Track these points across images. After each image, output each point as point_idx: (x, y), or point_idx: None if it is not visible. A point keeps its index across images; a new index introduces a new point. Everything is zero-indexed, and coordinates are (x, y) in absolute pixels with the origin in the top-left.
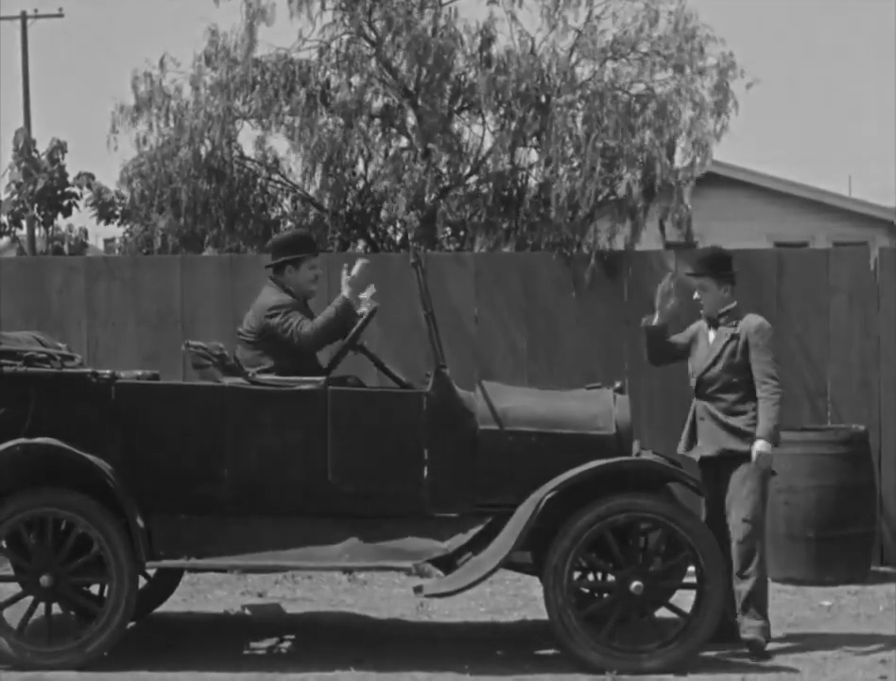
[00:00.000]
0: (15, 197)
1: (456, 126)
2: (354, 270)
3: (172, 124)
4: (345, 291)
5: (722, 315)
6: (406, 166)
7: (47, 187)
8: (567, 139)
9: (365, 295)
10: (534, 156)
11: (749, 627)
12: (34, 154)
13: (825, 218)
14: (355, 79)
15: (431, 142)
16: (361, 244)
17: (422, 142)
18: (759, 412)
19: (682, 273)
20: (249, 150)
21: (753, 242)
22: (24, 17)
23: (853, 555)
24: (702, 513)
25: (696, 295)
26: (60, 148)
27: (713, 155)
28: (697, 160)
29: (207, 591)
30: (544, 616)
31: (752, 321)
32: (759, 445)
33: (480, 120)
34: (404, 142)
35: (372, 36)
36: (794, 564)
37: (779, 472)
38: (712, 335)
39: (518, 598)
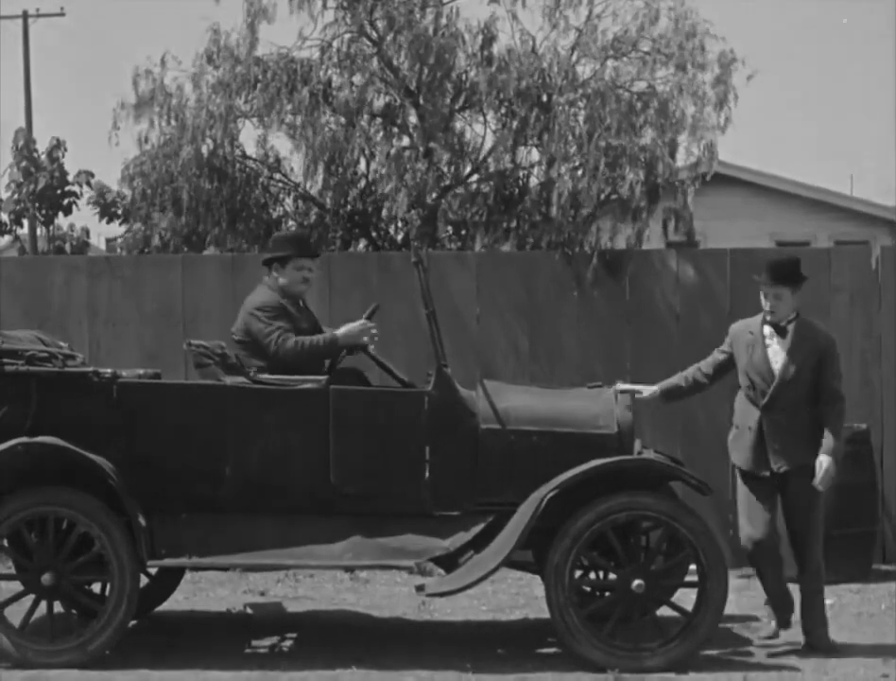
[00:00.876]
0: (16, 196)
1: (457, 125)
2: (366, 316)
3: (174, 122)
4: (340, 332)
5: (790, 321)
6: (408, 165)
7: (47, 186)
8: (569, 138)
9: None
10: (535, 155)
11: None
12: (34, 153)
13: (827, 218)
14: (357, 78)
15: (432, 141)
16: (363, 243)
17: (424, 141)
18: (827, 427)
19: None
20: (251, 149)
21: (755, 241)
22: (25, 16)
23: (855, 554)
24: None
25: (765, 302)
26: (59, 146)
27: (718, 155)
28: (703, 158)
29: (209, 589)
30: (546, 614)
31: (828, 334)
32: (827, 462)
33: (482, 119)
34: (405, 141)
35: (374, 35)
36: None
37: None
38: (776, 342)
39: (520, 596)
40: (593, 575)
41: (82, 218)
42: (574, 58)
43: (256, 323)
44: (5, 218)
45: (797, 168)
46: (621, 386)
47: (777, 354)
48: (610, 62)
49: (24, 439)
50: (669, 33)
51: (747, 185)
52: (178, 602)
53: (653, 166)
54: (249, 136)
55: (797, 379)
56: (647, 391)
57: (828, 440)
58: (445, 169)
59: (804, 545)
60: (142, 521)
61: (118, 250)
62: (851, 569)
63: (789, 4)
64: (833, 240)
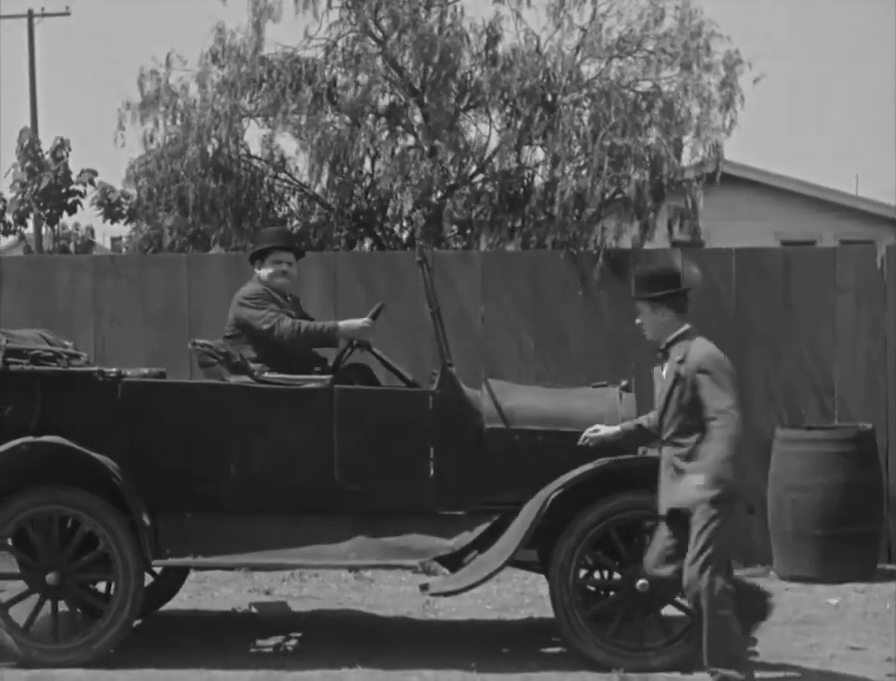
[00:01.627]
0: (20, 196)
1: (462, 124)
2: (371, 315)
3: (179, 122)
4: (342, 323)
5: (670, 344)
6: (413, 165)
7: (51, 185)
8: (574, 138)
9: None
10: (540, 155)
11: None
12: (39, 153)
13: (832, 217)
14: (362, 78)
15: (437, 140)
16: (368, 243)
17: (429, 140)
18: (708, 444)
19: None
20: (256, 149)
21: (761, 241)
22: (30, 15)
23: (861, 553)
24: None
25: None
26: (63, 146)
27: (724, 156)
28: (709, 158)
29: (214, 589)
30: (551, 614)
31: (697, 351)
32: (693, 479)
33: (486, 118)
34: (410, 140)
35: (379, 34)
36: (801, 562)
37: (787, 470)
38: (664, 369)
39: (524, 596)
40: (597, 574)
41: (87, 217)
42: (578, 57)
43: (246, 310)
44: (9, 217)
45: (802, 168)
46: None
47: (658, 381)
48: (614, 62)
49: (28, 438)
50: (674, 32)
51: (751, 185)
52: (182, 601)
53: (658, 166)
54: (254, 136)
55: (666, 410)
56: (611, 432)
57: (703, 459)
58: (450, 169)
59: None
60: (146, 520)
61: (123, 249)
62: (856, 569)
63: (795, 3)
64: (838, 240)
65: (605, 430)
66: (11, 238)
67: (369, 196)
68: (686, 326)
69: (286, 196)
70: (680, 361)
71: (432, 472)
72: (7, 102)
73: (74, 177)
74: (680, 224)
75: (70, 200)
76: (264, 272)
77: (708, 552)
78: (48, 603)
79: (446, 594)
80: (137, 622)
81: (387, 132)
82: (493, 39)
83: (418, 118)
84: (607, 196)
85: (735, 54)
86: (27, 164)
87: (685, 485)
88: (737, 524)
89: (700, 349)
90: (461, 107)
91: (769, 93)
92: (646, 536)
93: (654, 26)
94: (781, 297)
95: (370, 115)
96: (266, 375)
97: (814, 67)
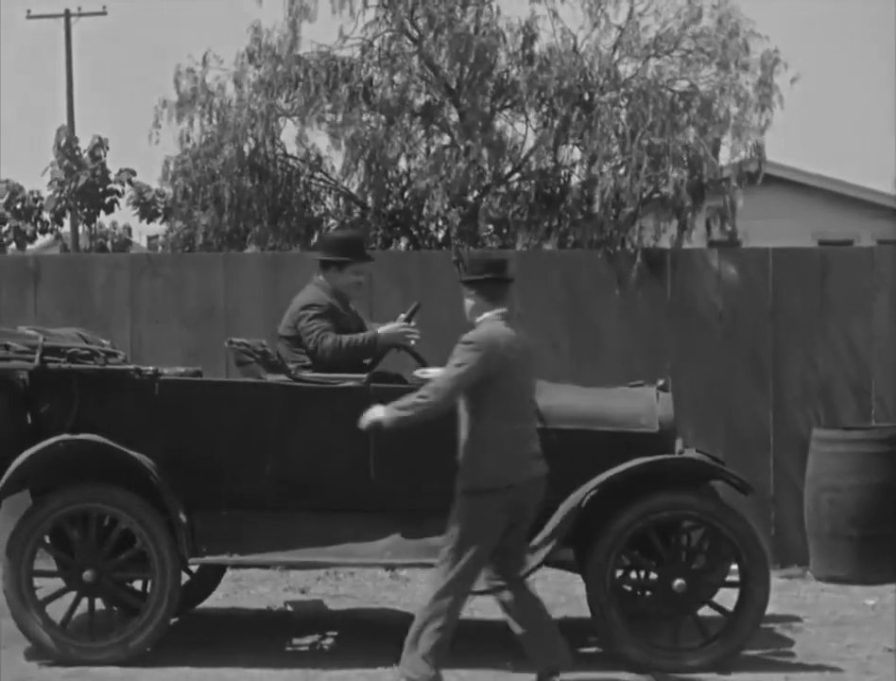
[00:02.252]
0: (58, 194)
1: (498, 123)
2: (406, 315)
3: (215, 121)
4: (381, 330)
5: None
6: (448, 164)
7: (89, 184)
8: (611, 137)
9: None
10: (577, 154)
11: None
12: (76, 152)
13: (870, 216)
14: (398, 77)
15: (473, 139)
16: (403, 242)
17: (464, 139)
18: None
19: None
20: (292, 148)
21: (798, 241)
22: (67, 15)
23: None
24: None
25: None
26: (101, 145)
27: (766, 155)
28: (751, 158)
29: (250, 587)
30: (587, 613)
31: (473, 332)
32: (375, 410)
33: (523, 118)
34: (445, 139)
35: (415, 33)
36: (838, 562)
37: (824, 471)
38: None
39: (561, 595)
40: (634, 574)
41: (124, 216)
42: (615, 56)
43: (301, 320)
44: (47, 216)
45: (839, 167)
46: None
47: None
48: (652, 61)
49: (65, 436)
50: (712, 32)
51: (789, 184)
52: (218, 599)
53: (697, 165)
54: (290, 135)
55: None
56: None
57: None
58: (486, 168)
59: None
60: (183, 518)
61: (159, 248)
62: (892, 569)
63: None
64: (875, 239)
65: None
66: (48, 237)
67: (404, 195)
68: (491, 314)
69: (322, 195)
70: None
71: None
72: (44, 101)
73: (111, 176)
74: (721, 224)
75: (108, 200)
76: (341, 280)
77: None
78: (85, 601)
79: (482, 593)
80: (173, 621)
81: (422, 132)
82: (530, 38)
83: (454, 117)
84: (645, 195)
85: (774, 53)
86: (65, 162)
87: None
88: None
89: (478, 329)
90: (497, 106)
91: (807, 91)
92: (684, 536)
93: (691, 24)
94: (818, 297)
95: (406, 114)
96: (302, 374)
97: (852, 66)
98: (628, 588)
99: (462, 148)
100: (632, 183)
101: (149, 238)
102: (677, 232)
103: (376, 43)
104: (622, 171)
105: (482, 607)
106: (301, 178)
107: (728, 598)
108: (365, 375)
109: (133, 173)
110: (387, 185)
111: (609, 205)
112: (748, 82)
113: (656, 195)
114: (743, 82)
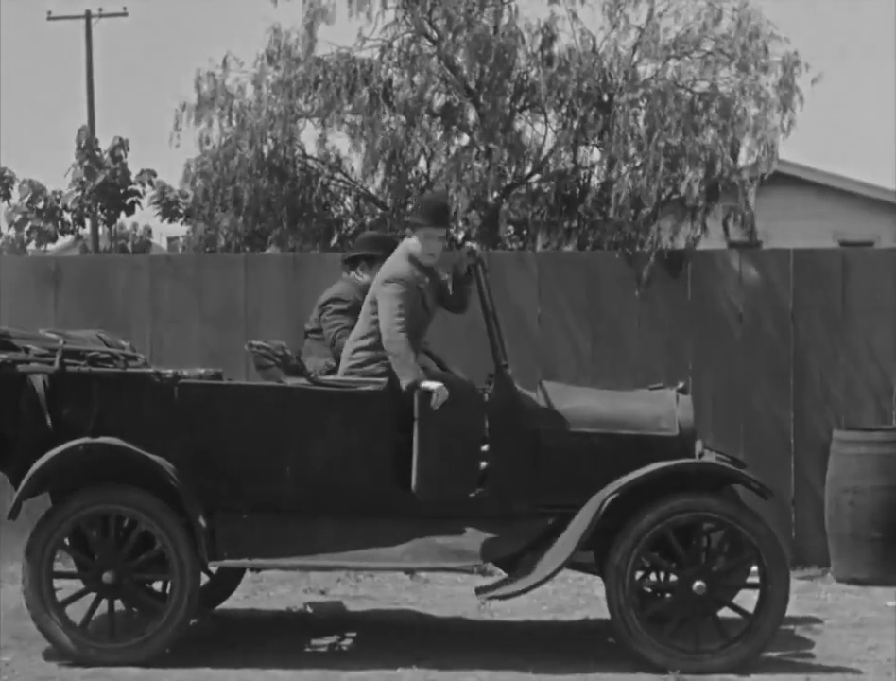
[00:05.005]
0: (79, 194)
1: (517, 124)
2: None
3: (235, 123)
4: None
5: None
6: (468, 165)
7: (109, 185)
8: (629, 138)
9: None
10: (596, 155)
11: None
12: (97, 152)
13: (891, 217)
14: (417, 78)
15: (493, 141)
16: None
17: (484, 140)
18: None
19: None
20: (311, 149)
21: (819, 241)
22: (88, 16)
23: None
24: None
25: None
26: (122, 145)
27: (779, 154)
28: (763, 158)
29: (269, 588)
30: (607, 615)
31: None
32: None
33: (542, 119)
34: (465, 140)
35: (434, 35)
36: (859, 564)
37: (844, 472)
38: None
39: (581, 597)
40: (654, 576)
41: (144, 217)
42: (635, 57)
43: (324, 312)
44: (67, 217)
45: (861, 168)
46: None
47: None
48: (671, 62)
49: (85, 439)
50: (732, 33)
51: (810, 185)
52: (238, 600)
53: (713, 166)
54: (309, 136)
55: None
56: None
57: None
58: (505, 169)
59: None
60: (202, 522)
61: (180, 249)
62: None
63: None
64: None
65: None
66: (69, 238)
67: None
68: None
69: (342, 196)
70: None
71: (488, 474)
72: (66, 102)
73: (132, 177)
74: (741, 223)
75: (129, 201)
76: (368, 278)
77: None
78: (105, 602)
79: (502, 597)
80: (193, 622)
81: (442, 132)
82: (549, 39)
83: (473, 118)
84: (663, 196)
85: (794, 55)
86: (86, 163)
87: None
88: None
89: None
90: (517, 107)
91: (827, 91)
92: (704, 538)
93: (712, 26)
94: (839, 298)
95: (426, 115)
96: (321, 377)
97: (873, 65)
98: (648, 590)
99: (482, 148)
100: (650, 184)
101: (169, 240)
102: (692, 233)
103: (395, 44)
104: (640, 173)
105: (501, 609)
106: (321, 179)
107: (748, 599)
108: (385, 380)
109: (154, 174)
110: (407, 186)
111: (627, 207)
112: (768, 83)
113: (674, 196)
114: (763, 83)
